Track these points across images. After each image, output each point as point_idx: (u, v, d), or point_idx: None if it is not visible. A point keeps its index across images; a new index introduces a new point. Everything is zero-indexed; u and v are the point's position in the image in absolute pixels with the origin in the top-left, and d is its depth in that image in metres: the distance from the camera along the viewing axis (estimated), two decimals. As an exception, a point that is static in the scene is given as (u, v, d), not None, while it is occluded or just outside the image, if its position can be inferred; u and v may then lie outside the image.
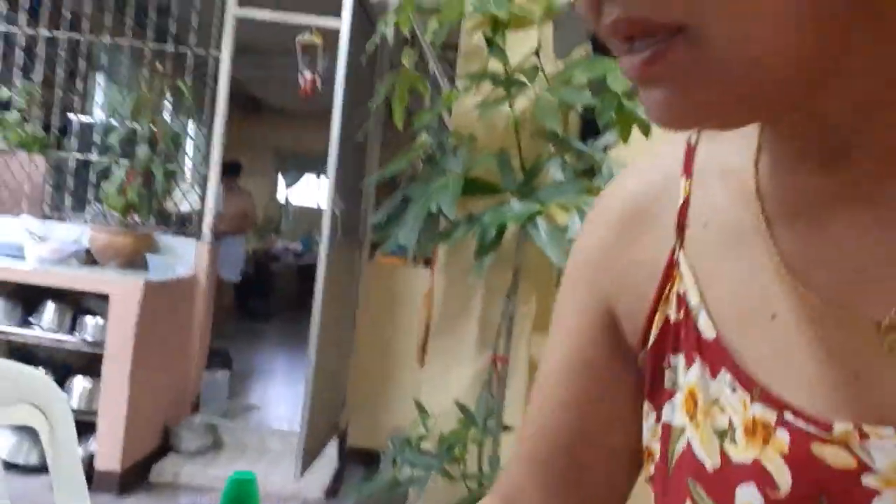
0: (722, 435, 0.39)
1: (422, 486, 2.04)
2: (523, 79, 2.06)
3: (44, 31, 3.67)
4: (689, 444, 0.41)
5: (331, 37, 3.52)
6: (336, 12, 3.20)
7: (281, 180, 10.11)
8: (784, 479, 0.37)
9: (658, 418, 0.44)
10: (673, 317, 0.43)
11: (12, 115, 3.54)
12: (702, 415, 0.40)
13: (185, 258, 3.52)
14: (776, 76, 0.31)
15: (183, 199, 3.68)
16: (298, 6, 3.81)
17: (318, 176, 9.46)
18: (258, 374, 5.06)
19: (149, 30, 3.67)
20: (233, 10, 3.62)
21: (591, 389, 0.48)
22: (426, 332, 2.27)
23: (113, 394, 2.87)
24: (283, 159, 9.87)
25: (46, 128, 3.67)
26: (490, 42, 2.13)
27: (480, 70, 2.17)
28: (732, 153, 0.42)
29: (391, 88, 2.24)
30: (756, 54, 0.30)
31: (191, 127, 4.19)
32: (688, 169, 0.44)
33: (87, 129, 3.68)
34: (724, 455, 0.39)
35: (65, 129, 3.72)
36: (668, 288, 0.43)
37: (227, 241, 5.77)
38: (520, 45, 2.20)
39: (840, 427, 0.35)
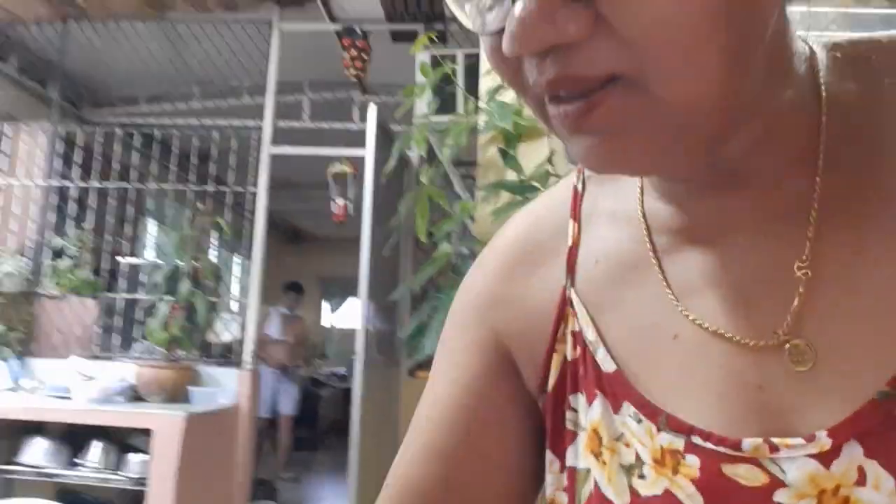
0: (630, 470, 0.38)
1: None
2: (537, 185, 2.12)
3: (94, 183, 3.95)
4: (595, 486, 0.39)
5: (359, 164, 3.70)
6: (362, 142, 3.39)
7: (325, 306, 10.28)
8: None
9: (562, 467, 0.42)
10: (570, 355, 0.42)
11: (65, 262, 3.75)
12: (607, 452, 0.39)
13: (227, 388, 3.55)
14: (705, 119, 0.32)
15: (224, 330, 3.77)
16: (328, 140, 4.05)
17: (361, 299, 9.60)
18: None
19: (191, 173, 3.92)
20: (268, 149, 3.86)
21: (471, 435, 0.44)
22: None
23: (156, 531, 2.83)
24: (326, 285, 10.09)
25: (96, 271, 3.86)
26: (504, 154, 2.22)
27: (497, 180, 2.25)
28: (618, 194, 0.44)
29: (412, 205, 2.32)
30: (690, 98, 0.31)
31: (238, 260, 4.39)
32: (575, 212, 0.45)
33: (134, 269, 3.86)
34: (633, 491, 0.38)
35: (114, 271, 3.91)
36: (562, 327, 0.43)
37: (279, 377, 5.75)
38: (534, 153, 2.28)
39: (749, 442, 0.35)
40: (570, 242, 0.44)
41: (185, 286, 3.56)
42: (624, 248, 0.42)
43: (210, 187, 3.92)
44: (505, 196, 2.21)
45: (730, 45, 0.30)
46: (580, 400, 0.41)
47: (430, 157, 2.67)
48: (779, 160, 0.37)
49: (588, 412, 0.41)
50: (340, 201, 4.03)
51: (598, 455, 0.40)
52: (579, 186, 0.46)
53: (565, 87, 0.31)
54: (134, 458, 3.01)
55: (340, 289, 10.03)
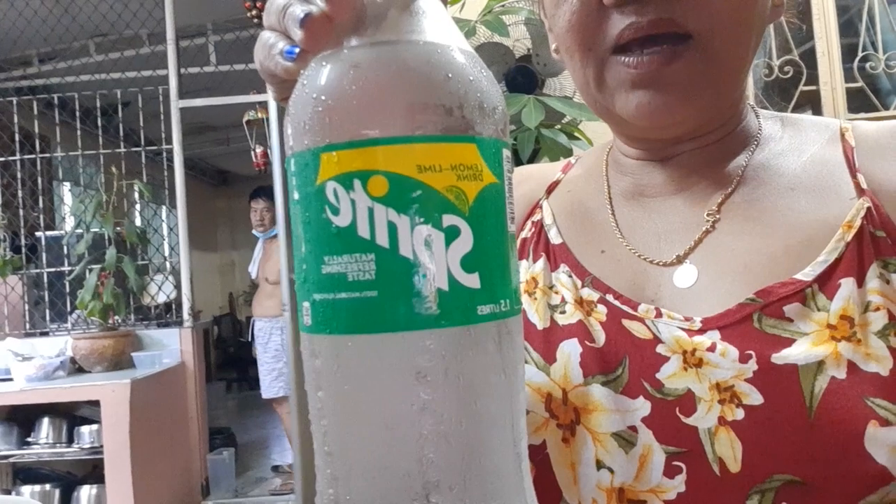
0: (554, 308, 0.54)
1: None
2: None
3: (-2, 158, 3.79)
4: (524, 313, 0.55)
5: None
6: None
7: (264, 244, 10.18)
8: (600, 336, 0.51)
9: None
10: (526, 236, 0.60)
11: (-21, 244, 3.64)
12: (540, 293, 0.56)
13: (171, 348, 3.59)
14: (733, 88, 0.50)
15: (159, 291, 3.77)
16: (242, 81, 3.94)
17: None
18: (267, 443, 5.11)
19: (100, 135, 3.79)
20: (176, 103, 3.75)
21: None
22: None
23: (118, 497, 2.93)
24: (262, 224, 9.95)
25: (16, 248, 3.76)
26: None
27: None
28: (593, 162, 0.63)
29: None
30: (735, 63, 0.48)
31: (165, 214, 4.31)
32: (566, 169, 0.65)
33: (55, 242, 3.78)
34: (553, 321, 0.54)
35: (34, 246, 3.82)
36: (528, 221, 0.61)
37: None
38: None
39: (643, 307, 0.50)
40: (555, 179, 0.64)
41: (110, 253, 3.52)
42: (590, 192, 0.60)
43: (122, 149, 3.81)
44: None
45: (753, 42, 0.49)
46: (525, 262, 0.58)
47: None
48: (714, 154, 0.54)
49: (531, 267, 0.57)
50: (259, 149, 3.98)
51: (531, 294, 0.56)
52: (573, 161, 0.66)
53: (660, 29, 0.45)
54: (86, 429, 3.08)
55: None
